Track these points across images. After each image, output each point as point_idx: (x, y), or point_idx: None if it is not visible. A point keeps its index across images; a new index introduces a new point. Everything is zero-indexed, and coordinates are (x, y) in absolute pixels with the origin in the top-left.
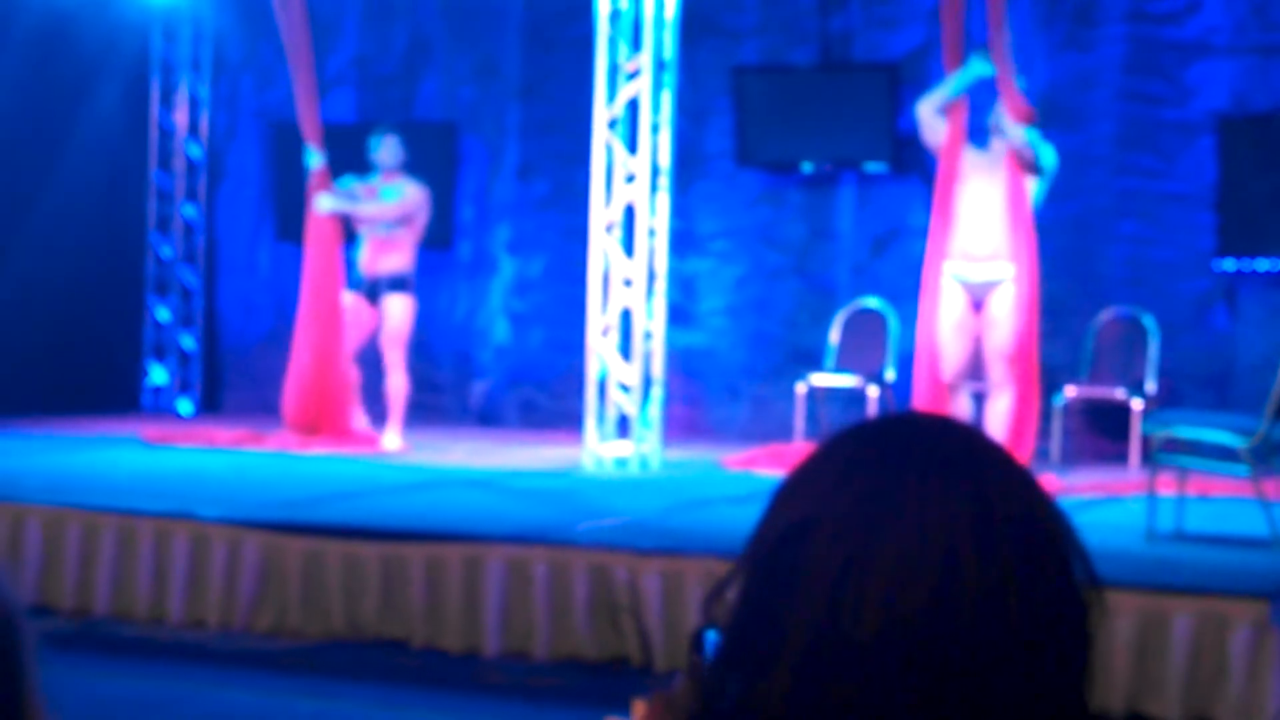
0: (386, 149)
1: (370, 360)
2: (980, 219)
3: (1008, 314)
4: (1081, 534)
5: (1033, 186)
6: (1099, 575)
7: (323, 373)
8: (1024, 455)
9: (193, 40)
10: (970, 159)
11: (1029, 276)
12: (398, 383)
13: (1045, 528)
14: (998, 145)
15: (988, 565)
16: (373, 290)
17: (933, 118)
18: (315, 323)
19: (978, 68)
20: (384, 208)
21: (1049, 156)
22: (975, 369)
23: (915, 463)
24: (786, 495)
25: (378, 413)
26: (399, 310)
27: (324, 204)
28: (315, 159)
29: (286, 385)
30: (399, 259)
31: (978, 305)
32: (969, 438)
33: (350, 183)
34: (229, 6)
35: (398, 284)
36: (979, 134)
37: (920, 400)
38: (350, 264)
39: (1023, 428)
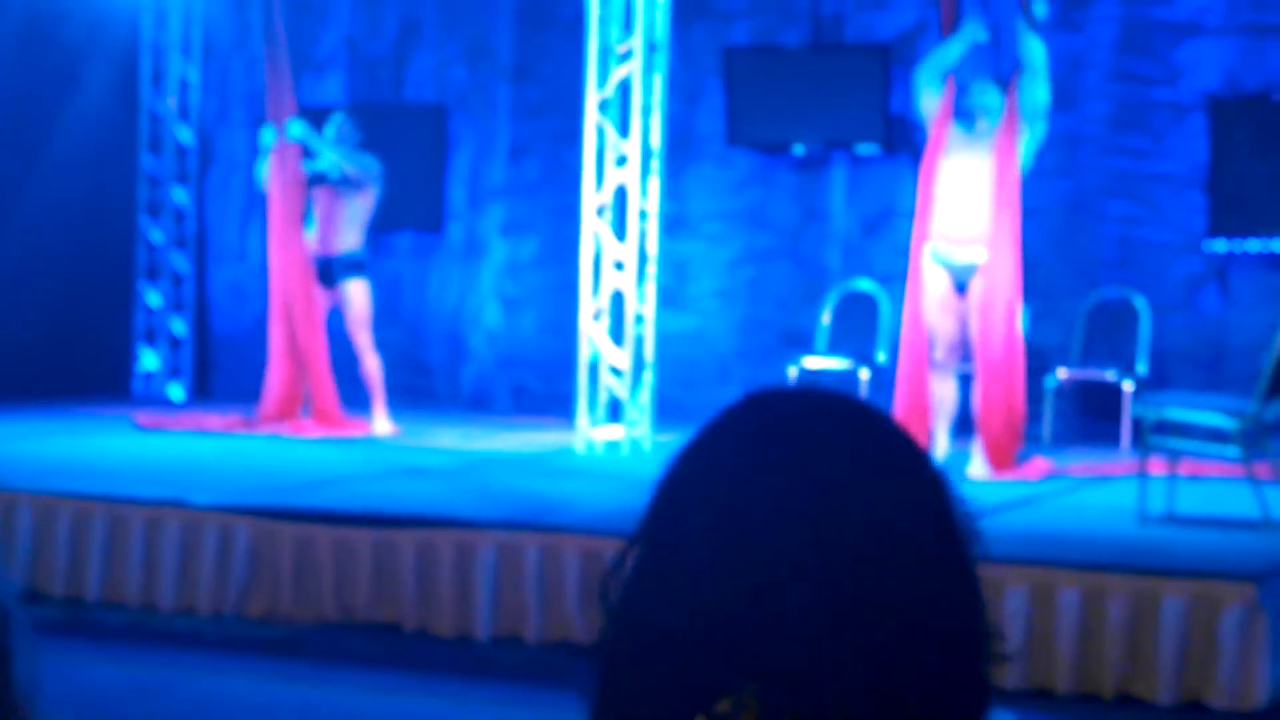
0: (342, 129)
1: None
2: (962, 201)
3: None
4: (976, 510)
5: (1023, 142)
6: (988, 551)
7: (308, 356)
8: (1014, 437)
9: (183, 24)
10: (954, 139)
11: (1012, 260)
12: (373, 365)
13: (930, 503)
14: (983, 125)
15: (868, 544)
16: (325, 271)
17: (931, 84)
18: (293, 305)
19: (974, 31)
20: (346, 158)
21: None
22: (966, 349)
23: (795, 440)
24: (671, 472)
25: (360, 398)
26: (360, 294)
27: (295, 129)
28: (287, 130)
29: (269, 375)
30: (352, 237)
31: (960, 287)
32: (852, 412)
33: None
34: None
35: (353, 266)
36: (963, 115)
37: (903, 381)
38: None
39: (1008, 409)
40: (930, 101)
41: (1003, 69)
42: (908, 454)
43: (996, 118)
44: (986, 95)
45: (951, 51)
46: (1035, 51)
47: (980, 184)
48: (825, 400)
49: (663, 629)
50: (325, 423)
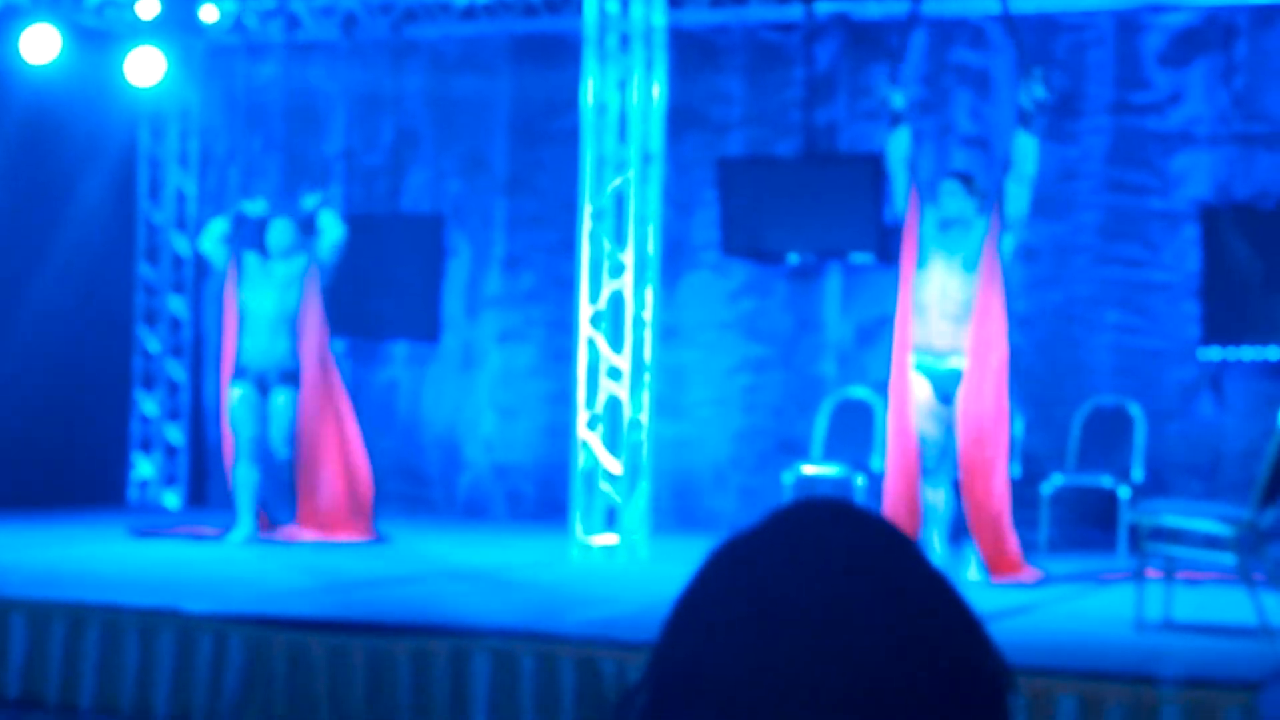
0: (276, 233)
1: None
2: (940, 310)
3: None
4: (986, 625)
5: (1015, 195)
6: (1009, 668)
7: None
8: (1005, 542)
9: (180, 135)
10: (931, 247)
11: (998, 366)
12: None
13: (955, 628)
14: (955, 234)
15: (896, 671)
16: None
17: (897, 175)
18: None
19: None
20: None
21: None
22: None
23: (813, 563)
24: (688, 598)
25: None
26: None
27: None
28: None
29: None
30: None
31: (943, 396)
32: (870, 531)
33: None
34: (216, 101)
35: (290, 377)
36: (942, 225)
37: (891, 487)
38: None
39: (992, 516)
40: (900, 189)
41: (988, 164)
42: (930, 576)
43: (966, 227)
44: (953, 201)
45: (895, 140)
46: (1026, 151)
47: (957, 292)
48: (852, 519)
49: None
50: (321, 528)
